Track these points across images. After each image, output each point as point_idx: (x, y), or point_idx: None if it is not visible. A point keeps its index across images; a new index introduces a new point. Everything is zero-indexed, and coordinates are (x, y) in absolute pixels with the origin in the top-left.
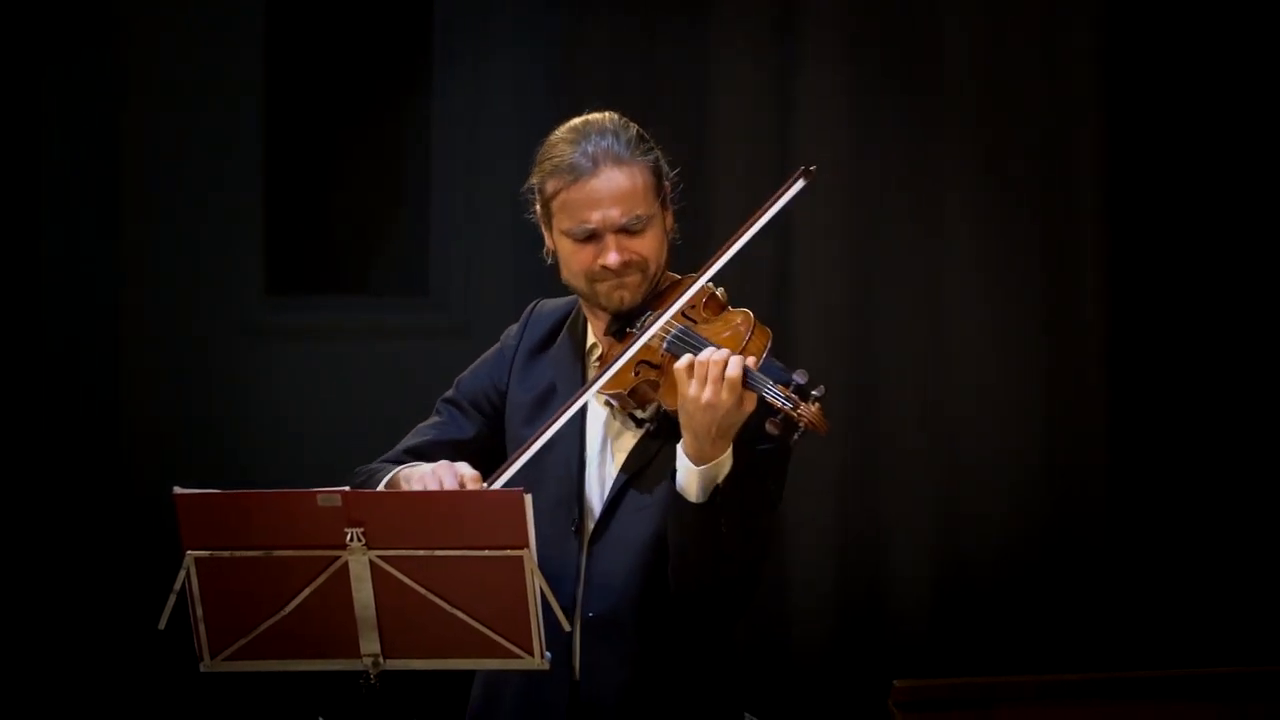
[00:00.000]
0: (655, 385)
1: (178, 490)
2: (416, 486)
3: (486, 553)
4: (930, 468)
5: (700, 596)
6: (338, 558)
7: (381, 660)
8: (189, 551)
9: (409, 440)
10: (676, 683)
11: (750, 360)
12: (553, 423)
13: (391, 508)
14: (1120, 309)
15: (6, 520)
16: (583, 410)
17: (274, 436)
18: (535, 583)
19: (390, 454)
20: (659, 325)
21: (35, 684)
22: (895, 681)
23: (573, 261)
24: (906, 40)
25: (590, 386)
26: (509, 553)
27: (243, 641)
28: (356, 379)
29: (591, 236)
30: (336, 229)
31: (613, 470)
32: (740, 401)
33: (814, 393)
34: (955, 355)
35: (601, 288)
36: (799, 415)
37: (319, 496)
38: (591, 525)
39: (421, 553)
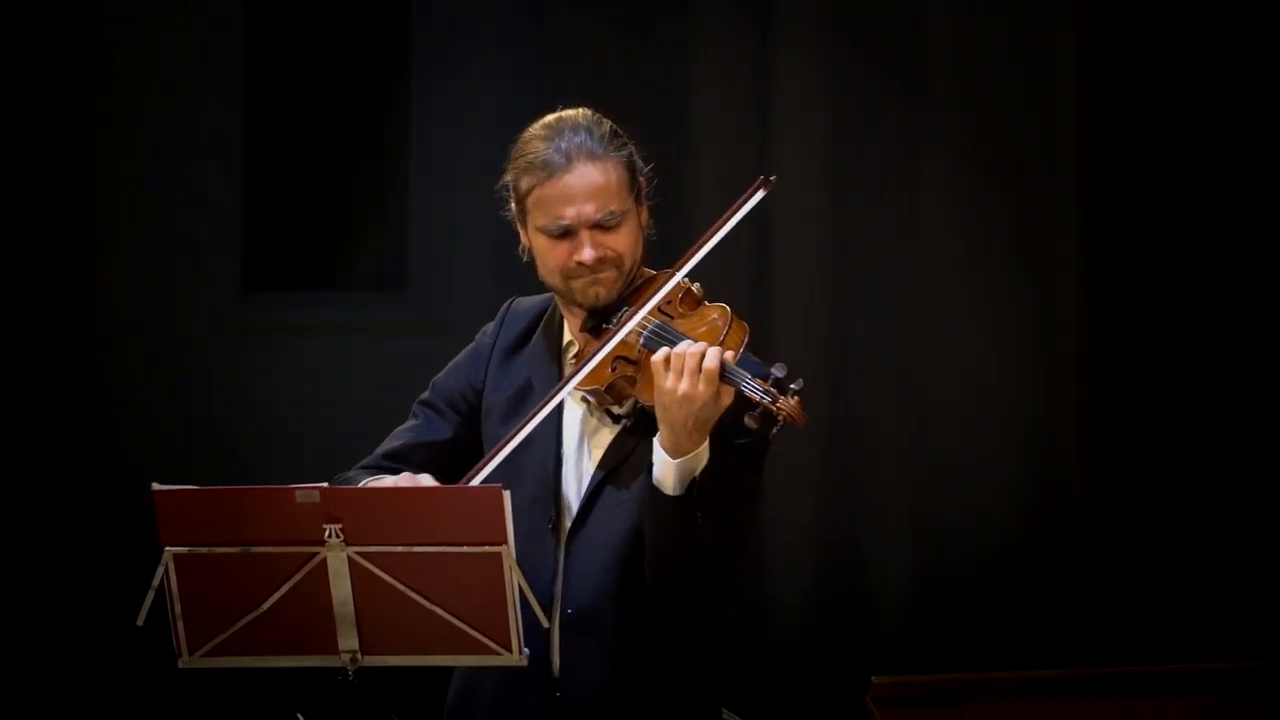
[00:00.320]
0: (632, 381)
1: (156, 487)
2: None
3: (465, 549)
4: (909, 464)
5: (677, 590)
6: (316, 554)
7: (360, 657)
8: (167, 548)
9: (386, 444)
10: (655, 679)
11: (728, 354)
12: (530, 420)
13: (370, 504)
14: (1100, 306)
15: None
16: (559, 407)
17: (253, 433)
18: (514, 579)
19: (368, 460)
20: (635, 321)
21: (15, 680)
22: (873, 677)
23: (548, 258)
24: (886, 35)
25: (567, 383)
26: (488, 549)
27: (221, 638)
28: (334, 375)
29: (566, 233)
30: (314, 225)
31: (589, 467)
32: (717, 394)
33: (793, 386)
34: (934, 352)
35: (577, 284)
36: (778, 409)
37: (297, 493)
38: (569, 522)
39: (400, 549)
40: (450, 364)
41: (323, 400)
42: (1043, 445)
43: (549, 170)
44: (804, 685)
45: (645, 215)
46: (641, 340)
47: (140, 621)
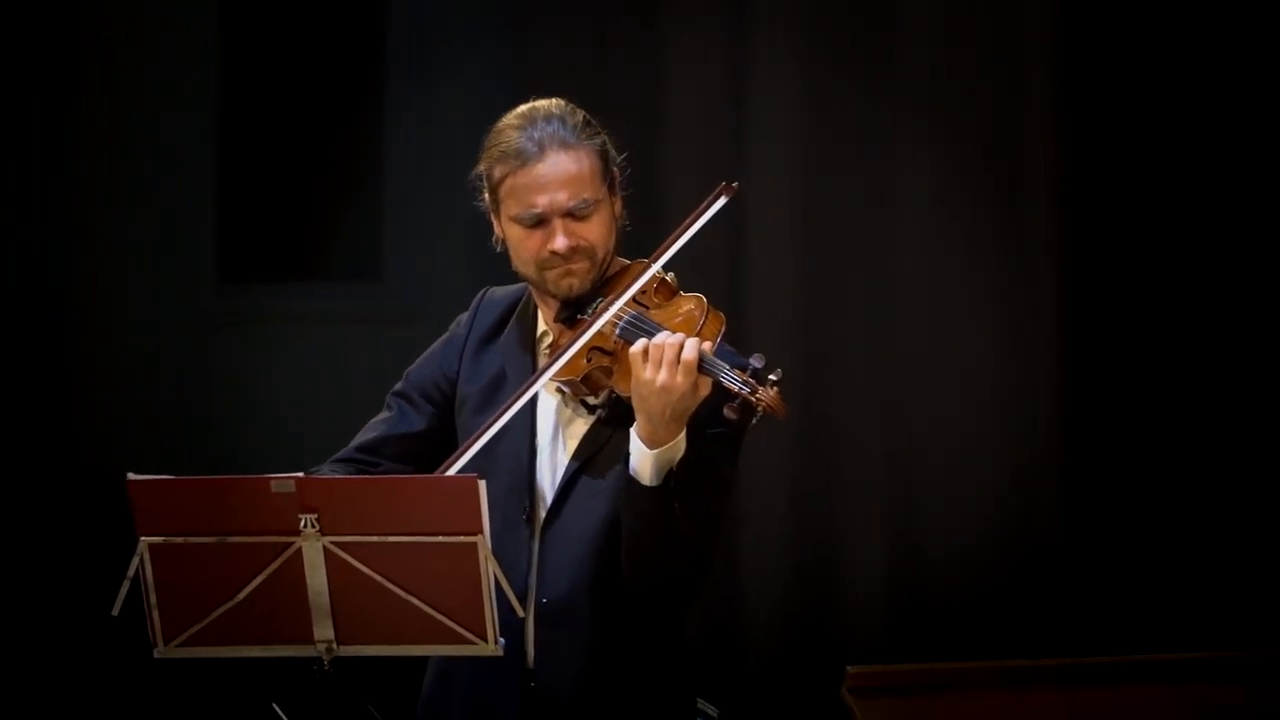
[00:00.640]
0: (608, 371)
1: (131, 477)
2: None
3: (441, 539)
4: (885, 457)
5: (654, 581)
6: (292, 544)
7: (335, 646)
8: (143, 538)
9: (360, 437)
10: (630, 669)
11: (706, 345)
12: (505, 410)
13: (345, 494)
14: (1077, 303)
15: None
16: (533, 398)
17: (228, 423)
18: (489, 569)
19: (342, 452)
20: (611, 312)
21: None
22: (849, 668)
23: (521, 249)
24: (862, 28)
25: (543, 374)
26: (463, 539)
27: (197, 628)
28: (310, 365)
29: (539, 222)
30: (290, 216)
31: (564, 458)
32: (696, 386)
33: (771, 377)
34: (911, 349)
35: (550, 275)
36: (757, 399)
37: (273, 483)
38: (543, 513)
39: (375, 539)
40: (424, 354)
41: (299, 390)
42: (1019, 442)
43: (522, 159)
44: (779, 678)
45: (618, 205)
46: (617, 331)
47: (116, 611)
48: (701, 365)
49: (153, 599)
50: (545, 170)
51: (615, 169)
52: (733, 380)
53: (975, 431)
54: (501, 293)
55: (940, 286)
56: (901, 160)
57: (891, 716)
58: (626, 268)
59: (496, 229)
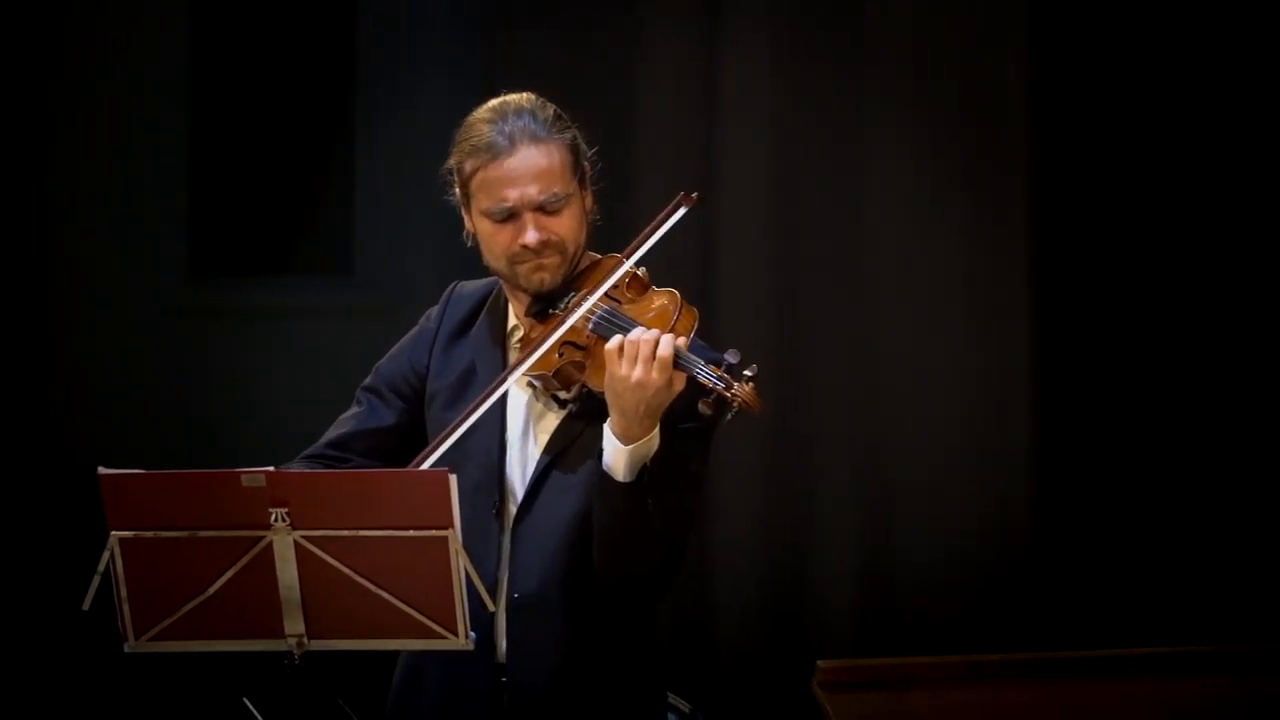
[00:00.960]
0: (581, 366)
1: (102, 471)
2: None
3: (411, 533)
4: (857, 454)
5: (626, 576)
6: (262, 538)
7: (306, 641)
8: (113, 532)
9: (330, 433)
10: (602, 664)
11: (681, 340)
12: (478, 405)
13: (316, 488)
14: (1049, 300)
15: None
16: (504, 392)
17: (199, 418)
18: (460, 563)
19: (311, 449)
20: (585, 307)
21: None
22: (819, 662)
23: (492, 243)
24: (832, 20)
25: (517, 368)
26: (434, 533)
27: (167, 622)
28: (281, 359)
29: (510, 216)
30: (260, 210)
31: (535, 452)
32: (670, 381)
33: (746, 372)
34: (884, 343)
35: (521, 269)
36: (732, 395)
37: (243, 477)
38: (514, 508)
39: (346, 533)
40: (393, 349)
41: (270, 384)
42: (991, 438)
43: (493, 153)
44: (750, 672)
45: (589, 200)
46: (590, 326)
47: (86, 606)
48: (677, 361)
49: (123, 593)
50: (516, 164)
51: (586, 163)
52: (708, 376)
53: (947, 428)
54: (471, 287)
55: (913, 284)
56: (874, 159)
57: (862, 710)
58: (597, 262)
59: (467, 223)
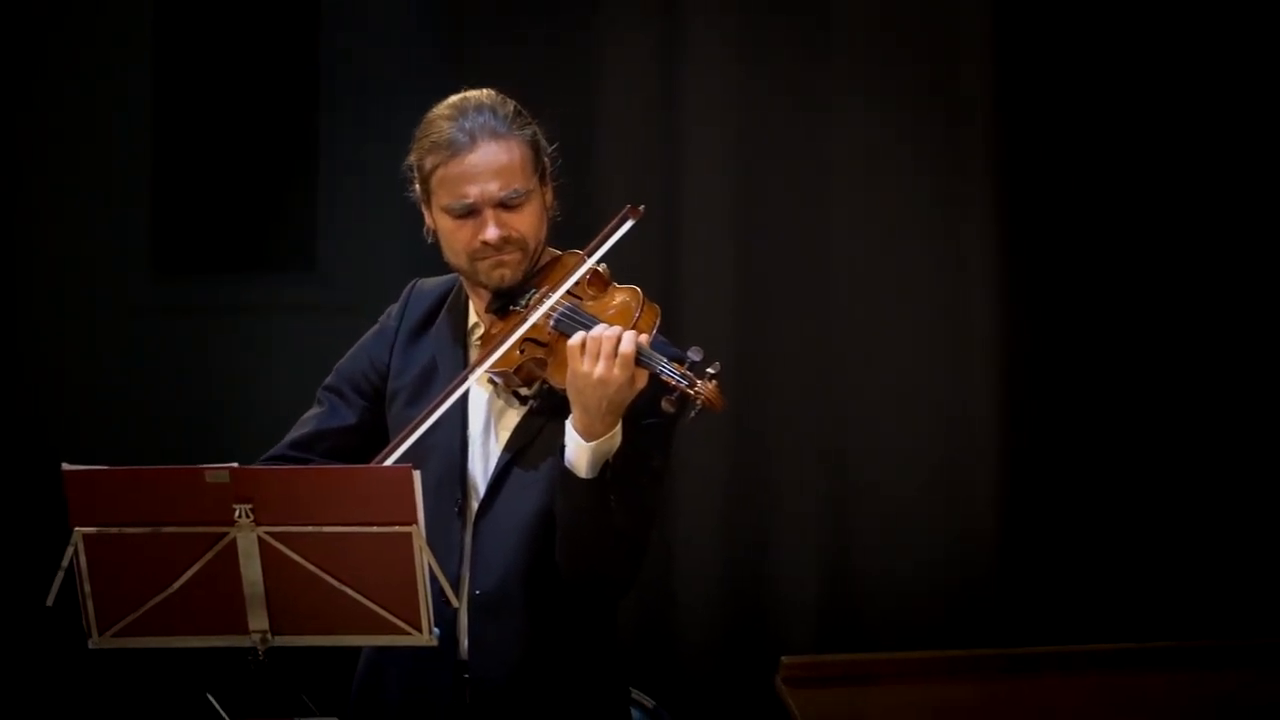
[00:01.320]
0: (542, 363)
1: (66, 467)
2: None
3: (375, 529)
4: (819, 450)
5: (589, 572)
6: (226, 534)
7: (270, 637)
8: (77, 528)
9: (292, 434)
10: (564, 659)
11: (643, 338)
12: (440, 403)
13: (280, 484)
14: (1016, 293)
15: None
16: (466, 390)
17: (164, 414)
18: (423, 559)
19: (274, 450)
20: (548, 305)
21: None
22: (783, 658)
23: (453, 239)
24: (797, 13)
25: (478, 366)
26: (398, 529)
27: (131, 618)
28: (244, 356)
29: (470, 212)
30: (223, 207)
31: (496, 449)
32: (633, 379)
33: (709, 370)
34: (847, 340)
35: (482, 265)
36: (695, 393)
37: (207, 473)
38: (476, 504)
39: (310, 529)
40: (354, 347)
41: (233, 381)
42: (955, 434)
43: (453, 149)
44: (714, 668)
45: (550, 195)
46: (552, 323)
47: (50, 602)
48: (639, 358)
49: (87, 589)
50: (476, 160)
51: (547, 159)
52: (671, 374)
53: (910, 424)
54: (432, 284)
55: (878, 280)
56: (839, 155)
57: (825, 706)
58: (558, 258)
59: (428, 220)
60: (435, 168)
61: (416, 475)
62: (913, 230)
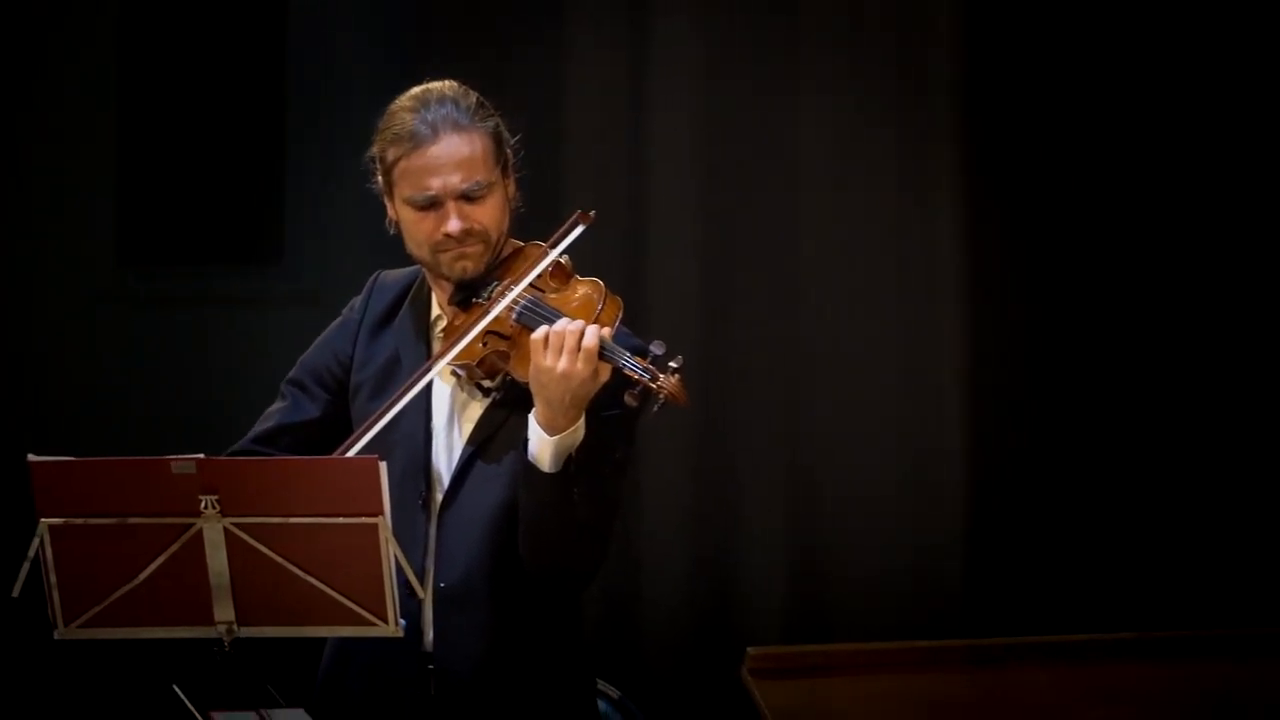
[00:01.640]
0: (505, 356)
1: (32, 458)
2: None
3: (342, 520)
4: (785, 442)
5: (552, 564)
6: (192, 525)
7: (235, 628)
8: (43, 519)
9: (256, 428)
10: (529, 651)
11: (606, 331)
12: (402, 394)
13: (246, 475)
14: (983, 289)
15: None
16: (429, 382)
17: (129, 405)
18: (389, 550)
19: (238, 445)
20: (510, 298)
21: None
22: (749, 649)
23: (415, 231)
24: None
25: (441, 358)
26: (364, 520)
27: (97, 609)
28: (209, 347)
29: (432, 204)
30: (188, 198)
31: (460, 441)
32: (596, 372)
33: (672, 364)
34: (813, 332)
35: (444, 258)
36: (658, 387)
37: (174, 464)
38: (439, 497)
39: (276, 520)
40: (317, 340)
41: (198, 372)
42: (922, 427)
43: (415, 141)
44: (680, 659)
45: (512, 187)
46: (514, 316)
47: (16, 592)
48: (602, 353)
49: (53, 580)
50: (438, 152)
51: (509, 151)
52: (634, 368)
53: (877, 416)
54: (394, 276)
55: (844, 272)
56: (805, 146)
57: (790, 697)
58: (520, 250)
59: (390, 211)
60: (397, 159)
61: (383, 466)
62: (880, 227)
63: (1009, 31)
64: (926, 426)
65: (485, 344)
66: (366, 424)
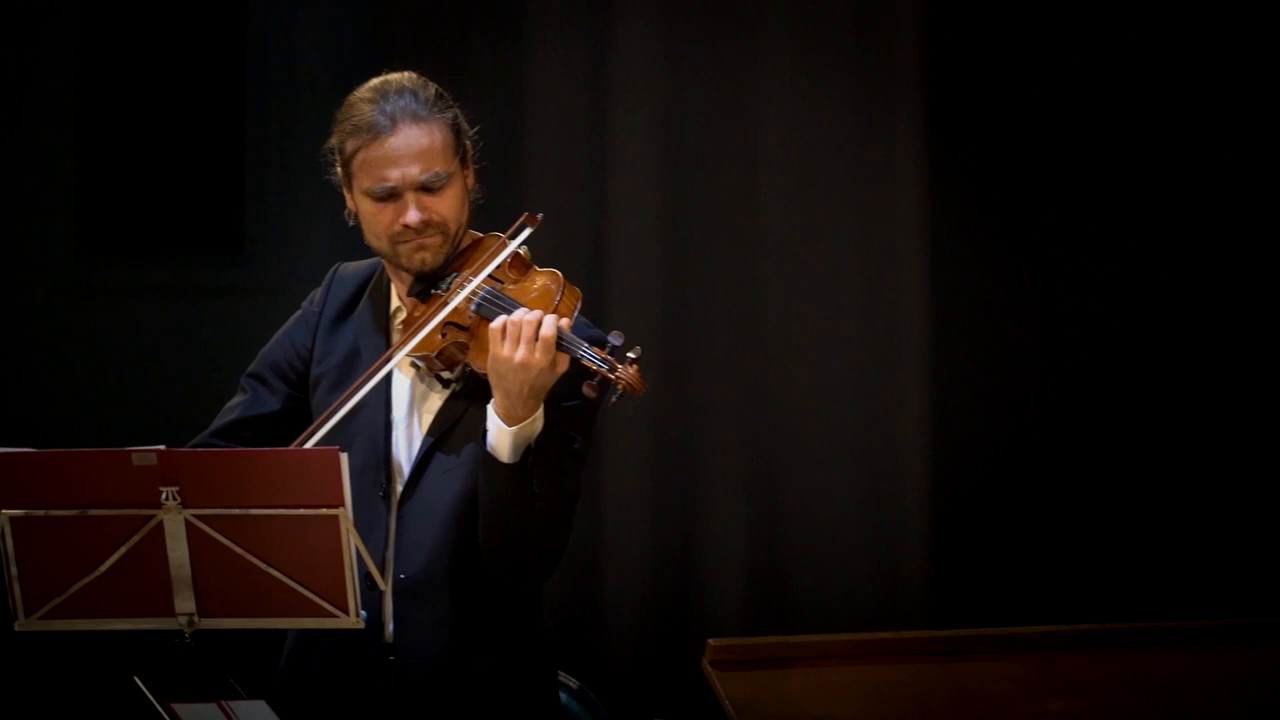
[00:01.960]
0: (464, 347)
1: None
2: None
3: (303, 511)
4: (746, 433)
5: (512, 555)
6: (153, 516)
7: (196, 619)
8: (3, 510)
9: (216, 422)
10: (490, 642)
11: (564, 321)
12: (361, 385)
13: (207, 466)
14: (944, 284)
15: None
16: (389, 373)
17: (90, 397)
18: (351, 542)
19: (198, 438)
20: (468, 289)
21: None
22: (710, 640)
23: (374, 223)
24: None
25: (400, 349)
26: (325, 511)
27: (58, 600)
28: (171, 338)
29: (391, 195)
30: (149, 188)
31: (420, 433)
32: (554, 363)
33: (630, 354)
34: (775, 321)
35: (403, 249)
36: (616, 377)
37: (134, 455)
38: (400, 488)
39: (237, 512)
40: (277, 333)
41: (158, 363)
42: (885, 417)
43: (374, 133)
44: (641, 651)
45: (471, 178)
46: (473, 306)
47: None
48: (560, 343)
49: (13, 571)
50: (397, 144)
51: (468, 142)
52: (592, 358)
53: (839, 409)
54: (354, 268)
55: (805, 267)
56: (765, 148)
57: (752, 688)
58: (479, 241)
59: (349, 203)
60: (356, 151)
61: (344, 457)
62: (842, 222)
63: (971, 22)
64: (889, 420)
65: (444, 335)
66: (325, 415)
